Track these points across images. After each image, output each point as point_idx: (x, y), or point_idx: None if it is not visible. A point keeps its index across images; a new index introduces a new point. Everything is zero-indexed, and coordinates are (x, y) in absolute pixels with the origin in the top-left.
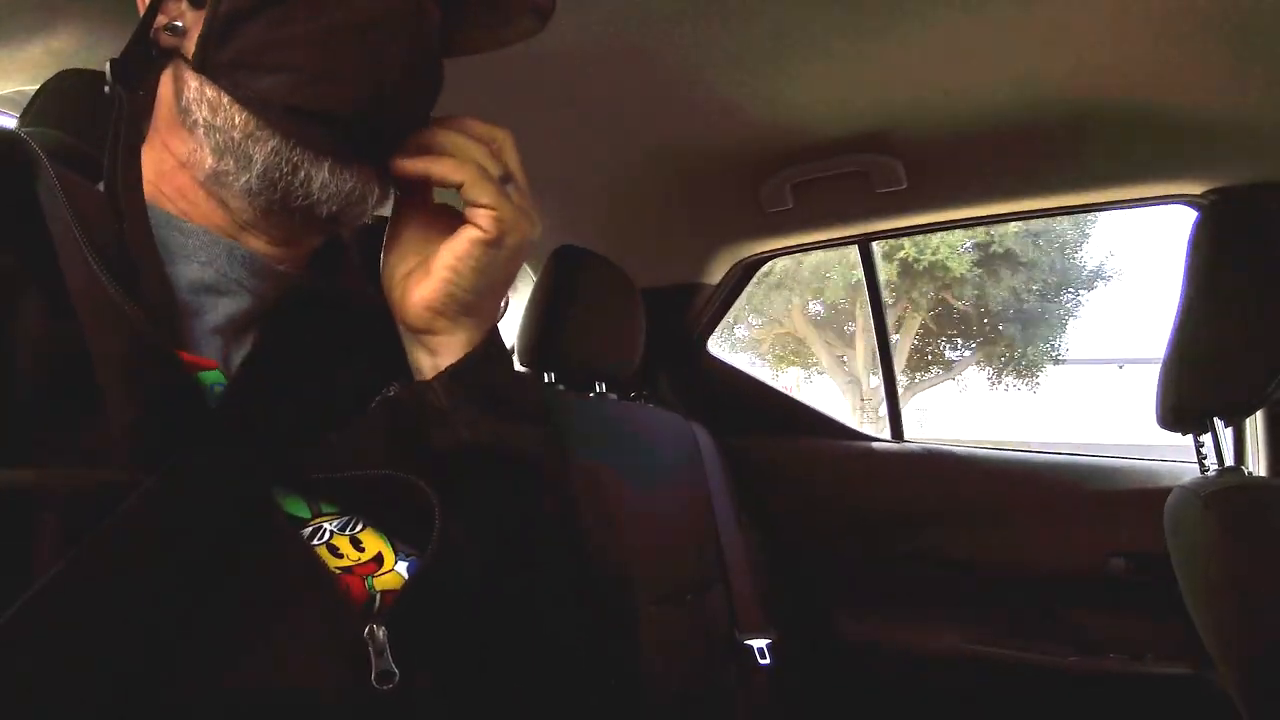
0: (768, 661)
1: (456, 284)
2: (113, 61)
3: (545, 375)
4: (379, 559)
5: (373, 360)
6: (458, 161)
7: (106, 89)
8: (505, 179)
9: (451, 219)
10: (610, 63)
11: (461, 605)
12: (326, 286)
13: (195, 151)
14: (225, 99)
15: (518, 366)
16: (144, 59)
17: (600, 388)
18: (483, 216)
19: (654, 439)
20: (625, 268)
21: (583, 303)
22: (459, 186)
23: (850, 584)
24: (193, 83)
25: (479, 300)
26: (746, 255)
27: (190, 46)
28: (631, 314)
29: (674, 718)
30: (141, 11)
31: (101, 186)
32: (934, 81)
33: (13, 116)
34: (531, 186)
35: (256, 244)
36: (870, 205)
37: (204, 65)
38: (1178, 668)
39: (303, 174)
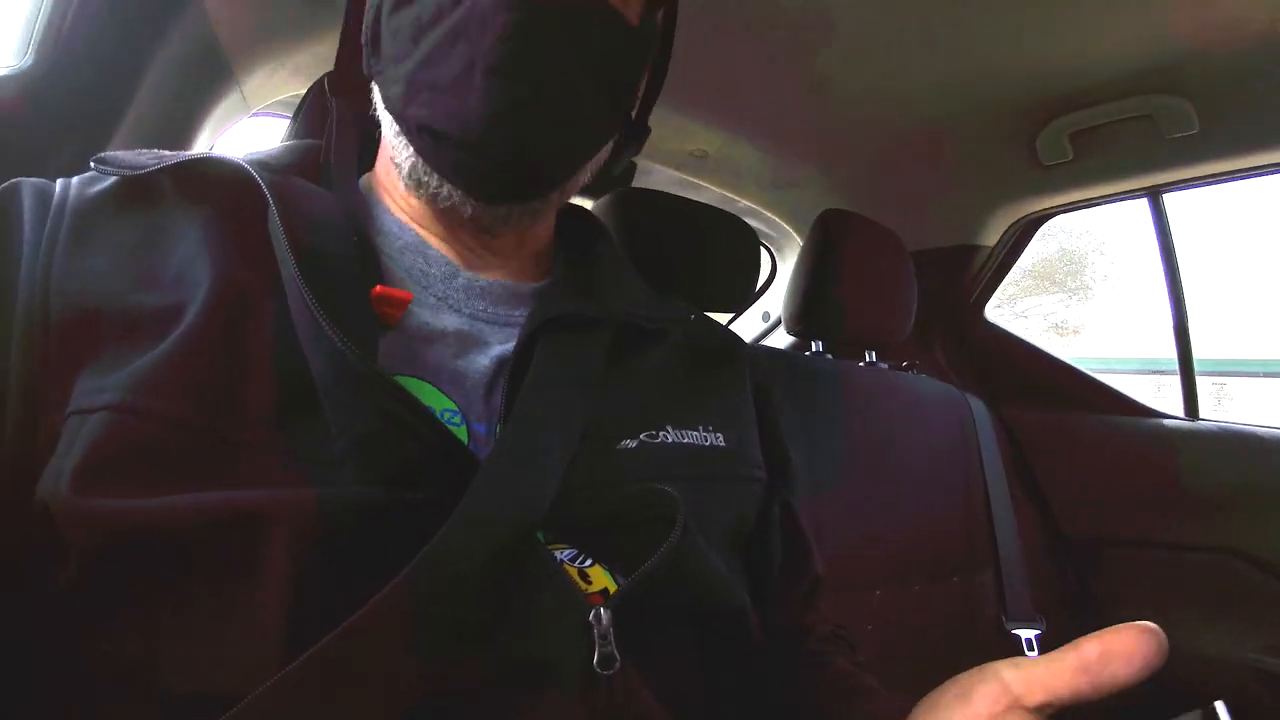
0: (1035, 654)
1: None
2: (328, 75)
3: (813, 344)
4: (604, 594)
5: (625, 385)
6: None
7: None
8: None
9: None
10: (872, 5)
11: (682, 604)
12: (568, 309)
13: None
14: (380, 102)
15: (785, 334)
16: (355, 64)
17: (870, 356)
18: None
19: (925, 411)
20: (895, 230)
21: (851, 268)
22: None
23: (1127, 574)
24: (376, 86)
25: None
26: (1024, 214)
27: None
28: (903, 279)
29: None
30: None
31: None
32: (1226, 4)
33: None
34: (794, 146)
35: (450, 252)
36: (1159, 154)
37: (369, 72)
38: None
39: (434, 181)
